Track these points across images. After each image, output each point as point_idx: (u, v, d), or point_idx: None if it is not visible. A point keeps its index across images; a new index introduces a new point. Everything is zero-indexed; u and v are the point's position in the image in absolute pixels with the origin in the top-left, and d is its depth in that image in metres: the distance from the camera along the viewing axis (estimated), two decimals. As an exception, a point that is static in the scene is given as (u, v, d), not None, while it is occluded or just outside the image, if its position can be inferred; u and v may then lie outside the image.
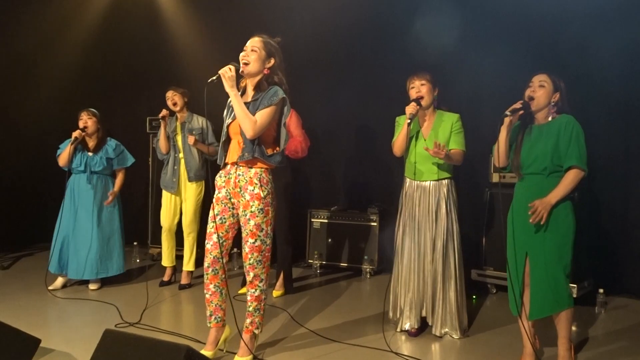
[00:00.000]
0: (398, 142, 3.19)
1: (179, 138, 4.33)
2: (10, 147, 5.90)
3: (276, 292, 4.13)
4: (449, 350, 3.06)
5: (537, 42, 4.34)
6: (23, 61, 6.12)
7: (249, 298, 2.80)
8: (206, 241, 2.78)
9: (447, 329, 3.18)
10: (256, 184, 2.68)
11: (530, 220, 2.58)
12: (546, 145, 2.60)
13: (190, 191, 4.32)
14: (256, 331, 2.82)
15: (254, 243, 2.71)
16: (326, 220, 5.04)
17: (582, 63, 4.10)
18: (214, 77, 2.64)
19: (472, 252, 4.21)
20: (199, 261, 4.78)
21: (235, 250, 5.01)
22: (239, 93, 2.69)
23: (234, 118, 2.69)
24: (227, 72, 2.59)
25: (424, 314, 3.21)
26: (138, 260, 5.40)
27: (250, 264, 2.73)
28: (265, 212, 2.70)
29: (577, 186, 2.60)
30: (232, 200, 2.76)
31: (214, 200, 2.82)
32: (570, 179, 2.57)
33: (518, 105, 2.62)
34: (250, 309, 2.80)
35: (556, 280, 2.61)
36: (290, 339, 3.17)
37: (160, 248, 5.38)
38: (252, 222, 2.69)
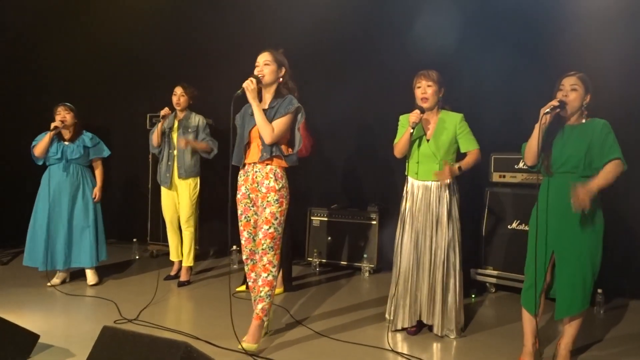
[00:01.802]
0: (399, 146, 3.19)
1: (175, 135, 4.35)
2: (10, 143, 5.90)
3: (276, 290, 4.12)
4: (449, 349, 3.06)
5: (537, 42, 4.34)
6: (23, 58, 6.12)
7: (260, 283, 2.97)
8: (240, 236, 3.09)
9: (445, 329, 3.17)
10: (271, 177, 2.95)
11: (574, 209, 2.53)
12: (579, 146, 2.59)
13: (184, 188, 4.34)
14: (265, 318, 3.00)
15: (267, 230, 2.93)
16: (326, 219, 5.04)
17: (582, 63, 4.07)
18: (239, 91, 2.88)
19: (472, 252, 4.21)
20: (198, 258, 4.81)
21: (234, 247, 5.01)
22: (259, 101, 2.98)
23: (255, 124, 2.96)
24: (250, 85, 2.87)
25: (422, 313, 3.20)
26: (137, 257, 5.40)
27: (263, 249, 2.95)
28: (279, 202, 2.95)
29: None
30: (250, 196, 3.02)
31: (236, 200, 3.08)
32: (610, 169, 2.56)
33: (556, 103, 2.60)
34: (262, 294, 2.97)
35: (585, 280, 2.61)
36: (289, 336, 3.17)
37: (160, 245, 5.43)
38: (267, 210, 2.93)
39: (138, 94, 5.97)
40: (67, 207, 4.20)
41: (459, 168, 3.07)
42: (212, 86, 5.26)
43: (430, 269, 3.14)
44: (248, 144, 3.05)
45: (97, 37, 6.13)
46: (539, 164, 2.72)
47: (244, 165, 3.06)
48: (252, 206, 3.04)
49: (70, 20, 6.18)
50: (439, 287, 3.14)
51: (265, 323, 3.08)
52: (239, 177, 3.09)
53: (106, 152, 4.44)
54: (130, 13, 6.01)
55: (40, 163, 4.28)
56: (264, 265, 2.95)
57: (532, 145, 2.66)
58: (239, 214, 3.08)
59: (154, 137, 4.35)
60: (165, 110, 4.27)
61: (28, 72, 6.15)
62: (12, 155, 5.86)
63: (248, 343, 2.89)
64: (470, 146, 3.16)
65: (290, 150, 3.03)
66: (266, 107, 2.99)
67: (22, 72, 6.11)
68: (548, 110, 2.58)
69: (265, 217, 2.93)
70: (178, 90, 4.34)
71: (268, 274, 2.96)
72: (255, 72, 2.98)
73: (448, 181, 3.16)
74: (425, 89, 3.14)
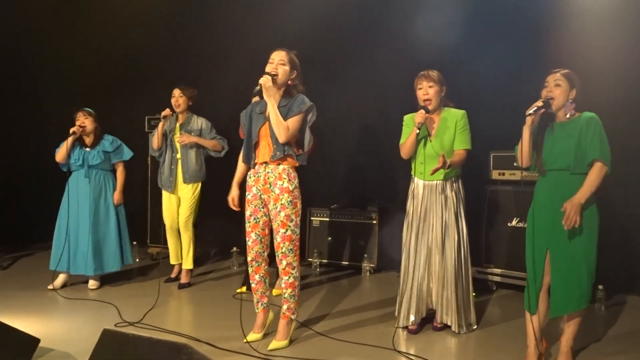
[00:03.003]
0: (406, 148, 3.19)
1: (177, 138, 4.34)
2: (10, 147, 5.90)
3: (276, 291, 4.12)
4: (451, 348, 3.06)
5: (536, 39, 4.33)
6: (22, 59, 6.11)
7: (283, 285, 3.03)
8: (246, 239, 3.05)
9: (461, 325, 3.20)
10: (285, 178, 2.93)
11: (565, 226, 2.53)
12: (569, 143, 2.59)
13: (186, 192, 4.33)
14: (292, 316, 3.06)
15: (285, 233, 2.94)
16: (326, 219, 5.04)
17: (582, 62, 4.08)
18: (257, 87, 2.86)
19: (473, 250, 4.18)
20: (198, 260, 4.80)
21: (235, 249, 5.00)
22: (261, 102, 2.97)
23: (264, 122, 2.94)
24: (267, 82, 2.85)
25: (431, 310, 3.22)
26: (137, 260, 5.39)
27: (282, 252, 2.96)
28: (294, 204, 2.95)
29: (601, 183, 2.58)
30: (262, 197, 2.99)
31: (246, 201, 3.05)
32: (594, 175, 2.55)
33: (540, 103, 2.61)
34: (286, 295, 3.03)
35: (580, 277, 2.60)
36: (291, 337, 3.16)
37: (160, 247, 5.42)
38: (282, 214, 2.92)
39: (136, 97, 5.95)
40: (89, 213, 4.21)
41: (449, 165, 3.04)
42: (210, 88, 5.25)
43: (439, 267, 3.17)
44: (256, 143, 3.01)
45: (95, 40, 6.12)
46: (533, 163, 2.73)
47: (254, 165, 3.02)
48: (263, 207, 3.01)
49: (68, 24, 6.17)
50: (452, 285, 3.16)
51: (293, 322, 3.11)
52: (248, 178, 3.05)
53: (128, 154, 4.46)
54: (128, 15, 6.00)
55: (65, 169, 4.29)
56: (283, 269, 2.98)
57: (523, 148, 2.67)
58: (247, 215, 3.03)
59: (155, 139, 4.33)
60: (166, 111, 4.26)
61: (26, 75, 6.14)
62: (11, 159, 5.86)
63: (278, 341, 2.99)
64: (461, 145, 3.16)
65: (299, 150, 3.01)
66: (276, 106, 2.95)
67: (20, 75, 6.10)
68: (532, 111, 2.60)
69: (281, 221, 2.92)
70: (176, 92, 4.33)
71: (289, 277, 3.00)
72: (268, 69, 2.92)
73: (452, 180, 3.20)
74: (426, 90, 3.14)
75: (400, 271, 3.33)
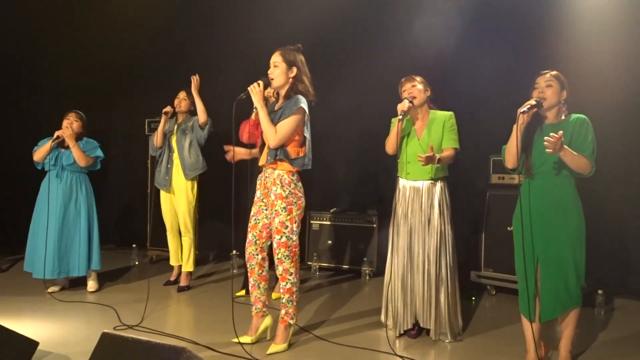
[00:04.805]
0: (390, 141, 3.17)
1: (174, 138, 4.35)
2: (9, 149, 5.89)
3: (275, 295, 4.11)
4: (450, 352, 3.05)
5: (536, 43, 4.34)
6: (22, 61, 6.12)
7: (281, 290, 3.02)
8: (247, 238, 3.08)
9: (439, 332, 3.14)
10: (278, 184, 2.93)
11: (546, 143, 2.48)
12: None
13: (182, 193, 4.32)
14: (291, 321, 3.04)
15: (280, 239, 2.94)
16: (325, 222, 5.04)
17: (582, 63, 4.10)
18: (243, 94, 2.88)
19: (471, 254, 4.20)
20: (197, 263, 4.79)
21: (234, 252, 5.00)
22: (273, 102, 2.99)
23: None
24: (254, 89, 2.85)
25: (419, 316, 3.17)
26: (137, 263, 5.39)
27: (278, 258, 2.97)
28: (287, 210, 2.92)
29: (584, 177, 2.63)
30: (264, 200, 3.03)
31: (253, 201, 3.09)
32: (582, 159, 2.55)
33: (533, 102, 2.61)
34: (284, 300, 3.02)
35: (568, 280, 2.60)
36: (289, 340, 3.15)
37: (159, 250, 5.42)
38: (276, 220, 2.93)
39: (136, 100, 5.96)
40: (58, 215, 4.13)
41: (438, 160, 3.01)
42: (209, 91, 5.25)
43: (424, 271, 3.11)
44: (263, 146, 3.08)
45: (95, 43, 6.12)
46: (520, 165, 2.71)
47: (260, 169, 3.09)
48: (266, 209, 3.04)
49: (68, 26, 6.18)
50: (433, 289, 3.11)
51: (291, 326, 3.10)
52: (257, 180, 3.11)
53: (99, 152, 4.31)
54: (128, 18, 6.00)
55: (40, 167, 4.27)
56: (280, 274, 2.99)
57: (512, 147, 2.65)
58: (250, 215, 3.08)
59: (157, 137, 4.34)
60: (168, 108, 4.29)
61: (25, 76, 6.14)
62: (9, 160, 5.86)
63: (277, 344, 2.99)
64: (449, 143, 3.14)
65: (301, 152, 2.97)
66: (277, 108, 2.96)
67: (19, 77, 6.10)
68: (525, 109, 2.58)
69: (276, 227, 2.94)
70: (181, 94, 4.38)
71: (286, 283, 2.98)
72: (269, 73, 2.95)
73: (438, 182, 3.15)
74: (410, 90, 3.16)
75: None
